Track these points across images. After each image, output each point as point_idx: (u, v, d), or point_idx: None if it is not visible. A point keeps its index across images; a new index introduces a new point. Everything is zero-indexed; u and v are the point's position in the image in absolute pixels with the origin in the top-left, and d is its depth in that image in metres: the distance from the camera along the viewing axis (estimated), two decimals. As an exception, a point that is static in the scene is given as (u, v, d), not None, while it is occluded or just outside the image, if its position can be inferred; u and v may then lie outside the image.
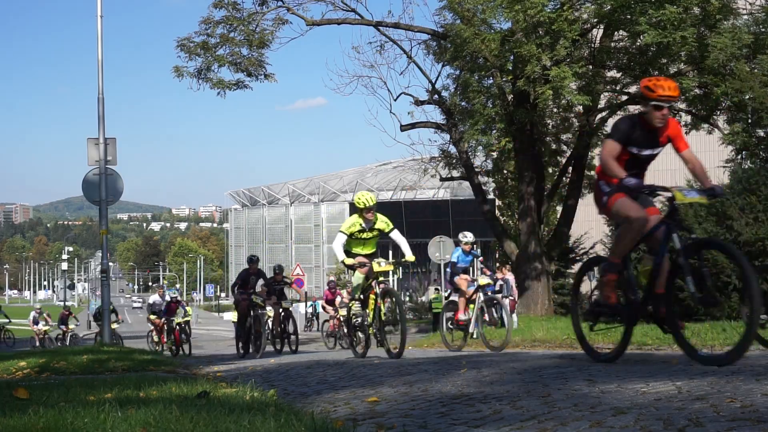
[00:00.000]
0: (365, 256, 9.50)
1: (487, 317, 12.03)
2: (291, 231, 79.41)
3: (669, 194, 5.30)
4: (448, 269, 13.00)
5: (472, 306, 12.10)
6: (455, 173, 23.53)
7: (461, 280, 12.34)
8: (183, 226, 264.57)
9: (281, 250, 79.86)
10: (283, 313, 15.55)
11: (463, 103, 20.46)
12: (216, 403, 3.75)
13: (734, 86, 17.19)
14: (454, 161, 22.76)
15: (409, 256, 9.35)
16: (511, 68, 18.97)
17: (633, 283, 5.57)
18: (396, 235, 9.58)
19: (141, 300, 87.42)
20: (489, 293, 12.49)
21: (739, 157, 19.31)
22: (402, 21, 21.38)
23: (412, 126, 22.35)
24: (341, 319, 18.34)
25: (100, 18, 16.91)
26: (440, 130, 22.46)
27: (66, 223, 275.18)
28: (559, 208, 24.02)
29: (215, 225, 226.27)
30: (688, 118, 20.32)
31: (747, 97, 17.58)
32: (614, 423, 2.94)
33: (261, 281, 15.94)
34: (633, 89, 20.17)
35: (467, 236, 12.63)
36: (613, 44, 19.33)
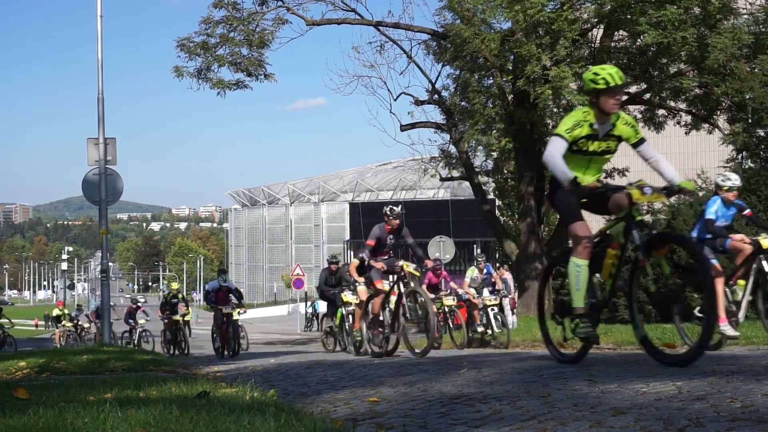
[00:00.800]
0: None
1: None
2: (291, 231, 79.41)
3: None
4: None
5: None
6: (455, 173, 23.53)
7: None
8: (183, 226, 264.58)
9: (281, 250, 79.87)
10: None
11: (463, 103, 20.46)
12: (216, 403, 3.75)
13: (734, 86, 17.19)
14: (454, 161, 22.76)
15: None
16: (511, 68, 18.97)
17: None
18: (646, 149, 5.88)
19: (143, 299, 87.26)
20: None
21: (739, 157, 19.33)
22: (402, 21, 21.39)
23: (412, 126, 22.35)
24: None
25: (100, 18, 16.90)
26: (440, 130, 22.47)
27: (66, 223, 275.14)
28: (559, 209, 24.02)
29: (215, 225, 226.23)
30: (688, 118, 20.33)
31: (747, 97, 17.59)
32: (614, 423, 2.94)
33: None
34: (633, 89, 20.18)
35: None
36: (613, 44, 19.33)
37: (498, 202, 29.45)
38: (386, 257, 9.97)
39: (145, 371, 7.07)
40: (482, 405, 3.65)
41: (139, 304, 22.89)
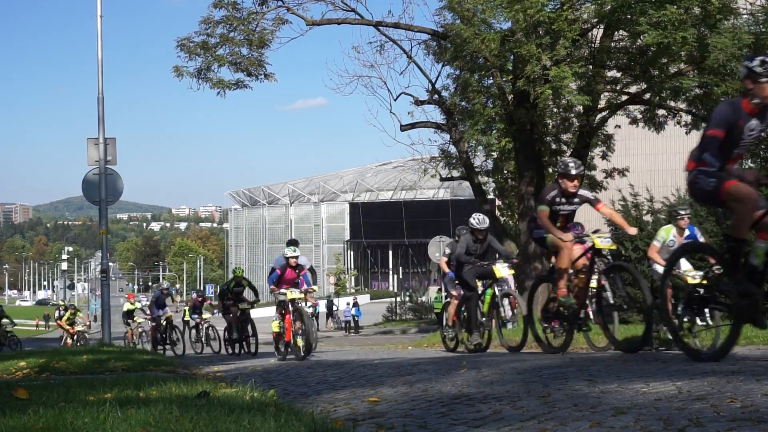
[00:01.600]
0: None
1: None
2: (291, 231, 79.39)
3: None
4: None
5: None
6: (455, 173, 23.53)
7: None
8: (183, 226, 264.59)
9: (281, 250, 79.90)
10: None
11: (463, 103, 20.45)
12: (216, 403, 3.75)
13: (735, 86, 17.18)
14: (454, 161, 22.76)
15: None
16: (511, 68, 18.97)
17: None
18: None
19: (145, 299, 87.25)
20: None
21: (739, 156, 19.30)
22: (402, 21, 21.39)
23: (412, 126, 22.35)
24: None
25: (100, 18, 16.91)
26: (440, 130, 22.46)
27: (66, 223, 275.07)
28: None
29: (215, 225, 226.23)
30: (688, 118, 20.32)
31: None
32: (614, 423, 2.94)
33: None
34: (633, 89, 20.18)
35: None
36: (613, 44, 19.32)
37: (498, 202, 29.45)
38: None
39: (145, 371, 7.07)
40: (482, 405, 3.65)
41: (206, 296, 20.36)
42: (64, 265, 74.42)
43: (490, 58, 18.43)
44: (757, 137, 5.46)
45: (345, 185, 79.39)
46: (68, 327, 26.38)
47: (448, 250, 13.26)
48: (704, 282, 6.12)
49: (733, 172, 5.46)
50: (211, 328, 18.80)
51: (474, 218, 10.93)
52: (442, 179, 24.35)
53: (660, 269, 8.51)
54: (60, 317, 27.53)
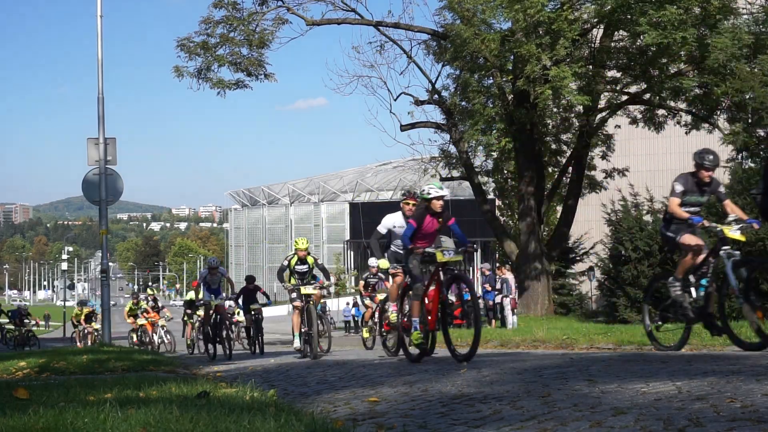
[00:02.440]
0: None
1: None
2: (291, 231, 79.40)
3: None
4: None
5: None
6: (455, 173, 23.53)
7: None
8: (183, 226, 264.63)
9: (281, 250, 79.84)
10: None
11: (463, 103, 20.46)
12: (216, 403, 3.75)
13: (734, 86, 17.19)
14: (454, 161, 22.76)
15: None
16: (511, 68, 18.97)
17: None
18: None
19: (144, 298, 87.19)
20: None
21: (739, 156, 19.31)
22: (402, 21, 21.40)
23: (412, 126, 22.35)
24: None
25: (100, 18, 16.90)
26: (440, 130, 22.46)
27: (66, 223, 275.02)
28: (559, 208, 24.02)
29: (215, 225, 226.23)
30: (688, 118, 20.33)
31: (747, 96, 17.59)
32: (614, 423, 2.94)
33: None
34: (633, 89, 20.18)
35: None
36: (613, 44, 19.33)
37: (498, 202, 29.45)
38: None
39: (145, 371, 7.07)
40: (482, 405, 3.65)
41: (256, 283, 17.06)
42: (64, 265, 74.27)
43: (490, 58, 18.44)
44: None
45: (345, 185, 79.36)
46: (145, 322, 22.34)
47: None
48: None
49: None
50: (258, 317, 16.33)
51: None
52: (442, 179, 24.34)
53: None
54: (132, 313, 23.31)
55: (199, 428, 2.96)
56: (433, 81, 21.80)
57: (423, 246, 7.76)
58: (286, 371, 7.05)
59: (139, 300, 23.97)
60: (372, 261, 15.03)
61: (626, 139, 28.39)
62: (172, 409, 3.31)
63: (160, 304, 24.35)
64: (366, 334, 14.54)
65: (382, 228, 9.06)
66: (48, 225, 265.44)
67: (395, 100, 22.30)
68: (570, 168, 22.06)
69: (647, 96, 19.88)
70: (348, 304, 42.07)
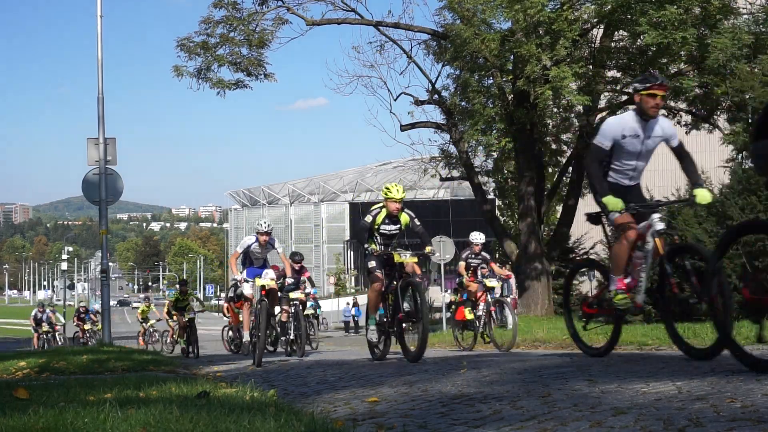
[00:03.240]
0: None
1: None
2: (291, 231, 79.45)
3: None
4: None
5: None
6: (455, 173, 23.53)
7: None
8: (183, 226, 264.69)
9: (281, 250, 79.82)
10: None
11: (463, 103, 20.46)
12: (216, 403, 3.75)
13: (735, 86, 17.20)
14: (454, 161, 22.76)
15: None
16: (511, 68, 18.97)
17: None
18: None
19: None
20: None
21: (739, 156, 19.33)
22: (402, 21, 21.40)
23: (412, 126, 22.35)
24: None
25: (100, 18, 16.91)
26: (440, 130, 22.47)
27: (66, 223, 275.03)
28: (559, 208, 24.02)
29: (215, 225, 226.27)
30: (688, 118, 20.33)
31: (747, 96, 17.60)
32: (614, 423, 2.94)
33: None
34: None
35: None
36: (613, 44, 19.33)
37: (498, 202, 29.46)
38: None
39: (145, 371, 7.07)
40: (482, 405, 3.65)
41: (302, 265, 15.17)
42: (64, 265, 74.26)
43: (490, 58, 18.44)
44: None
45: (345, 185, 79.38)
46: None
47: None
48: None
49: None
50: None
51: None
52: (442, 179, 24.36)
53: None
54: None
55: (199, 428, 2.96)
56: (433, 81, 21.83)
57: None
58: (286, 371, 7.05)
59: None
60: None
61: (626, 139, 28.33)
62: (172, 409, 3.31)
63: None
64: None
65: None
66: (48, 225, 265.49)
67: (395, 100, 22.33)
68: (570, 168, 22.06)
69: (647, 96, 19.88)
70: (348, 304, 42.10)
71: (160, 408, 3.33)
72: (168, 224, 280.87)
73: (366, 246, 8.34)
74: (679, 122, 20.71)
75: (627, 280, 5.87)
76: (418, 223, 8.34)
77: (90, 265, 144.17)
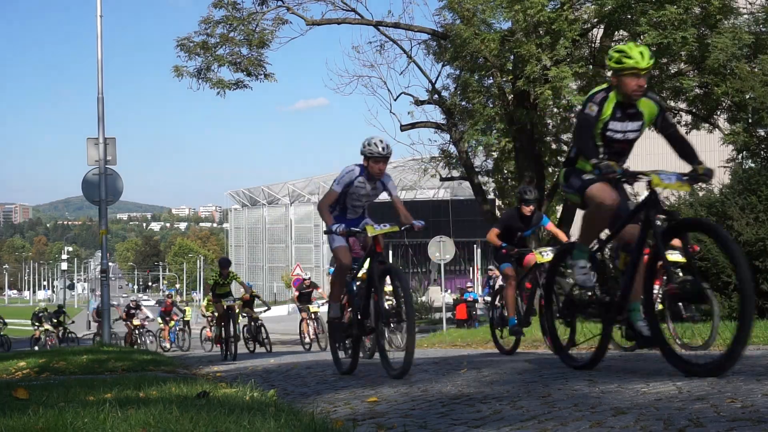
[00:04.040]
0: None
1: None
2: (291, 231, 79.45)
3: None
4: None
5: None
6: (455, 173, 23.51)
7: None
8: (183, 226, 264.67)
9: (281, 250, 79.87)
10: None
11: (463, 103, 20.45)
12: (216, 403, 3.75)
13: (735, 86, 17.19)
14: (454, 161, 22.75)
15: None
16: (511, 68, 18.97)
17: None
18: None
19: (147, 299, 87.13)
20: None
21: (739, 156, 19.32)
22: (402, 21, 21.37)
23: (412, 126, 22.34)
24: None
25: (100, 18, 16.91)
26: (440, 130, 22.45)
27: (66, 223, 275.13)
28: (559, 208, 24.01)
29: (215, 225, 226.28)
30: (688, 118, 20.32)
31: (748, 96, 17.58)
32: (614, 423, 2.94)
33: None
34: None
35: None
36: (613, 44, 19.32)
37: (498, 202, 29.45)
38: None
39: (145, 371, 7.07)
40: (482, 405, 3.65)
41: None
42: (64, 265, 74.40)
43: (490, 58, 18.43)
44: None
45: (345, 185, 79.36)
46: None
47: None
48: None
49: None
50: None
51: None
52: (442, 179, 24.34)
53: None
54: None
55: (199, 428, 2.95)
56: (433, 81, 21.80)
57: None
58: (286, 371, 7.05)
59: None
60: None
61: (626, 139, 28.34)
62: (172, 409, 3.31)
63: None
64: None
65: None
66: (48, 225, 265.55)
67: (395, 100, 22.30)
68: (570, 168, 22.06)
69: (647, 96, 19.89)
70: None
71: (160, 408, 3.33)
72: (168, 224, 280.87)
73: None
74: (678, 122, 20.71)
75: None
76: None
77: (90, 265, 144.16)
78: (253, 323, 17.47)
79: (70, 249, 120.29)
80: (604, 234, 5.40)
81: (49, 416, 3.19)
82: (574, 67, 17.19)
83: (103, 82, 16.77)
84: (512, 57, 18.71)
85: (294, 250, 78.23)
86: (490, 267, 14.89)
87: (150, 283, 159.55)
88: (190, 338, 24.34)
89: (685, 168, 5.11)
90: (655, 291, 5.48)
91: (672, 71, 18.47)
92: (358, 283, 6.58)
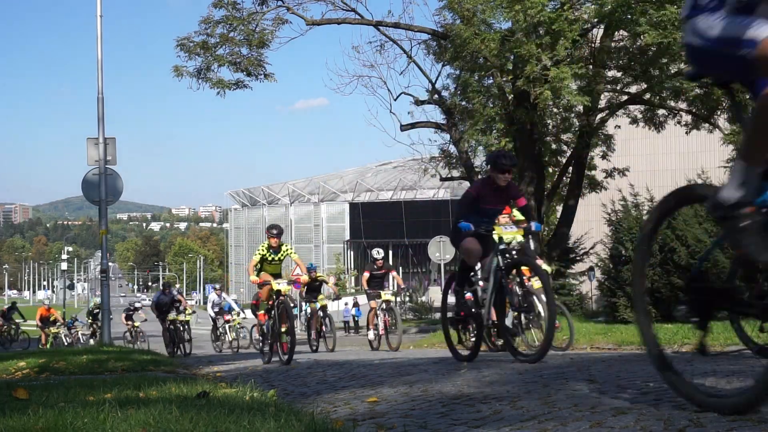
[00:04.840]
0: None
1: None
2: (291, 231, 79.41)
3: None
4: None
5: None
6: (455, 173, 23.52)
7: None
8: (183, 226, 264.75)
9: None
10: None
11: (463, 103, 20.46)
12: (216, 403, 3.75)
13: (735, 86, 17.20)
14: (454, 161, 22.76)
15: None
16: (511, 68, 18.97)
17: None
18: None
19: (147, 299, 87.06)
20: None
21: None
22: (402, 21, 21.40)
23: (412, 126, 22.35)
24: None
25: (100, 18, 16.91)
26: (440, 130, 22.46)
27: (66, 223, 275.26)
28: (559, 208, 24.01)
29: (215, 225, 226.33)
30: (688, 118, 20.33)
31: (748, 96, 17.59)
32: (614, 423, 2.94)
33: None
34: (633, 89, 20.17)
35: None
36: (613, 44, 19.33)
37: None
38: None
39: (145, 371, 7.07)
40: (482, 405, 3.65)
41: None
42: (64, 265, 74.36)
43: (490, 58, 18.43)
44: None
45: (345, 185, 79.39)
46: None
47: None
48: None
49: None
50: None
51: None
52: (442, 179, 24.35)
53: None
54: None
55: (199, 428, 2.95)
56: (433, 81, 21.82)
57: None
58: (286, 371, 7.05)
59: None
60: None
61: (626, 139, 28.38)
62: (171, 409, 3.31)
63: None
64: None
65: None
66: (48, 225, 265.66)
67: (395, 100, 22.33)
68: (570, 168, 22.06)
69: (647, 96, 19.88)
70: (347, 304, 42.08)
71: (159, 408, 3.33)
72: (168, 224, 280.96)
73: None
74: (679, 122, 20.71)
75: None
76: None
77: (90, 265, 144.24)
78: (317, 314, 15.51)
79: (70, 249, 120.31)
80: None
81: (49, 416, 3.19)
82: (573, 68, 17.20)
83: (103, 82, 16.78)
84: (512, 57, 18.72)
85: (294, 250, 78.22)
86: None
87: (150, 283, 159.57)
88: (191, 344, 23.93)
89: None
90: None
91: (672, 71, 18.47)
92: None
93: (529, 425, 3.07)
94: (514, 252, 6.96)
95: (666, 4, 16.28)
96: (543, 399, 3.66)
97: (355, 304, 40.53)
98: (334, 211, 79.19)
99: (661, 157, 35.12)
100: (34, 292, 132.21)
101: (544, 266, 8.25)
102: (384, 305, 14.61)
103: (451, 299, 7.34)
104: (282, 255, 10.88)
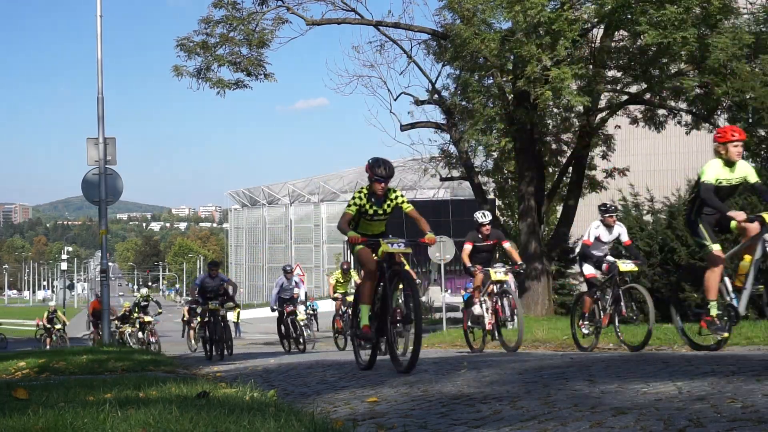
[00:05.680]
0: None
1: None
2: (291, 231, 79.42)
3: None
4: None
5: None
6: (455, 173, 23.52)
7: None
8: (183, 226, 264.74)
9: (281, 250, 79.84)
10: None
11: (463, 103, 20.45)
12: (216, 403, 3.75)
13: (735, 86, 17.18)
14: (454, 161, 22.75)
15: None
16: (511, 68, 18.96)
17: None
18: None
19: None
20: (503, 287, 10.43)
21: (739, 156, 19.32)
22: (402, 21, 21.37)
23: (412, 126, 22.34)
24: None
25: (100, 18, 16.90)
26: (440, 130, 22.45)
27: (65, 223, 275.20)
28: (559, 208, 24.01)
29: (215, 225, 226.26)
30: (688, 118, 20.33)
31: (748, 96, 17.59)
32: (614, 423, 2.94)
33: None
34: (633, 89, 20.16)
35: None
36: (613, 44, 19.32)
37: (498, 202, 29.46)
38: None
39: (145, 371, 7.07)
40: (482, 405, 3.65)
41: None
42: (64, 265, 74.34)
43: (490, 58, 18.42)
44: None
45: (345, 185, 79.34)
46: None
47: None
48: None
49: None
50: None
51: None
52: (442, 179, 24.34)
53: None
54: None
55: (199, 428, 2.95)
56: (433, 81, 21.80)
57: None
58: (286, 371, 7.05)
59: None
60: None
61: (626, 139, 28.37)
62: (171, 409, 3.31)
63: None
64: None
65: None
66: (48, 225, 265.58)
67: (395, 100, 22.29)
68: (570, 168, 22.05)
69: (647, 96, 19.87)
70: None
71: (159, 408, 3.33)
72: (168, 224, 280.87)
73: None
74: (679, 122, 20.71)
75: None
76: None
77: (90, 265, 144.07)
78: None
79: (70, 249, 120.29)
80: None
81: (49, 416, 3.19)
82: (574, 68, 17.19)
83: (103, 82, 16.76)
84: (512, 57, 18.71)
85: (294, 250, 78.22)
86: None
87: (150, 283, 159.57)
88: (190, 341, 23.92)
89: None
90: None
91: (672, 71, 18.47)
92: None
93: (529, 425, 3.07)
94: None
95: (666, 4, 16.26)
96: (543, 399, 3.66)
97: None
98: (334, 211, 79.14)
99: (661, 157, 35.12)
100: (33, 292, 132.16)
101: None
102: (496, 287, 10.57)
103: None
104: (388, 206, 7.44)
